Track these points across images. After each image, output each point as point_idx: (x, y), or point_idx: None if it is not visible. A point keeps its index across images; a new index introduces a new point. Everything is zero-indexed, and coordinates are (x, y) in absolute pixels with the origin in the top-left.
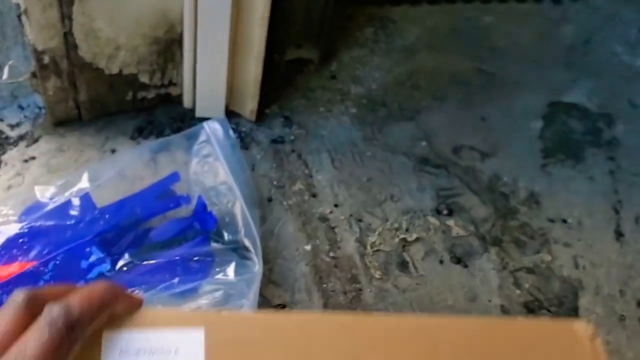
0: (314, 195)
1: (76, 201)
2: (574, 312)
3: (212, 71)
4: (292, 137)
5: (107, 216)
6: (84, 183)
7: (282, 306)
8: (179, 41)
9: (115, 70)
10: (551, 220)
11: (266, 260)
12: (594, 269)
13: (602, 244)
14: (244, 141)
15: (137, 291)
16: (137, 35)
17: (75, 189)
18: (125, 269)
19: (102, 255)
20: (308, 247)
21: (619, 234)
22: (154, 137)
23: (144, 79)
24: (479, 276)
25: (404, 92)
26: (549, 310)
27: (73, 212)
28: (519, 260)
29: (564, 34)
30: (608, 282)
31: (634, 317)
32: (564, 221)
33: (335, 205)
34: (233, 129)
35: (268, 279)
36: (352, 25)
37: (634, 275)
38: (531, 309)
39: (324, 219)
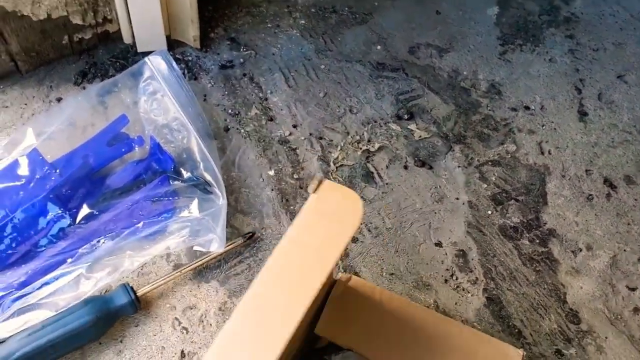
0: (271, 119)
1: (23, 160)
2: (542, 198)
3: (144, 0)
4: (241, 60)
5: (58, 170)
6: (29, 139)
7: (252, 234)
8: None
9: (43, 16)
10: (514, 109)
11: (231, 191)
12: (559, 153)
13: (566, 126)
14: (192, 71)
15: (102, 240)
16: None
17: (21, 146)
18: (86, 221)
19: (59, 211)
20: (271, 172)
21: (582, 114)
22: (98, 79)
23: (77, 19)
24: (445, 176)
25: None
26: (517, 200)
27: (22, 172)
28: (483, 154)
29: None
30: (574, 164)
31: (601, 195)
32: (527, 108)
33: (294, 126)
34: (179, 59)
35: (235, 209)
36: None
37: (600, 153)
38: (499, 201)
39: (284, 141)
